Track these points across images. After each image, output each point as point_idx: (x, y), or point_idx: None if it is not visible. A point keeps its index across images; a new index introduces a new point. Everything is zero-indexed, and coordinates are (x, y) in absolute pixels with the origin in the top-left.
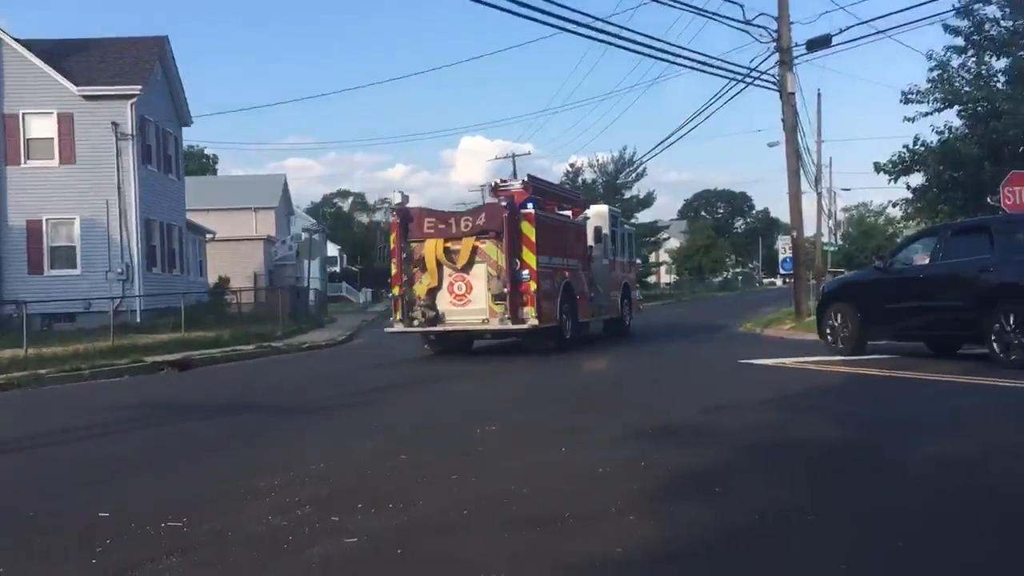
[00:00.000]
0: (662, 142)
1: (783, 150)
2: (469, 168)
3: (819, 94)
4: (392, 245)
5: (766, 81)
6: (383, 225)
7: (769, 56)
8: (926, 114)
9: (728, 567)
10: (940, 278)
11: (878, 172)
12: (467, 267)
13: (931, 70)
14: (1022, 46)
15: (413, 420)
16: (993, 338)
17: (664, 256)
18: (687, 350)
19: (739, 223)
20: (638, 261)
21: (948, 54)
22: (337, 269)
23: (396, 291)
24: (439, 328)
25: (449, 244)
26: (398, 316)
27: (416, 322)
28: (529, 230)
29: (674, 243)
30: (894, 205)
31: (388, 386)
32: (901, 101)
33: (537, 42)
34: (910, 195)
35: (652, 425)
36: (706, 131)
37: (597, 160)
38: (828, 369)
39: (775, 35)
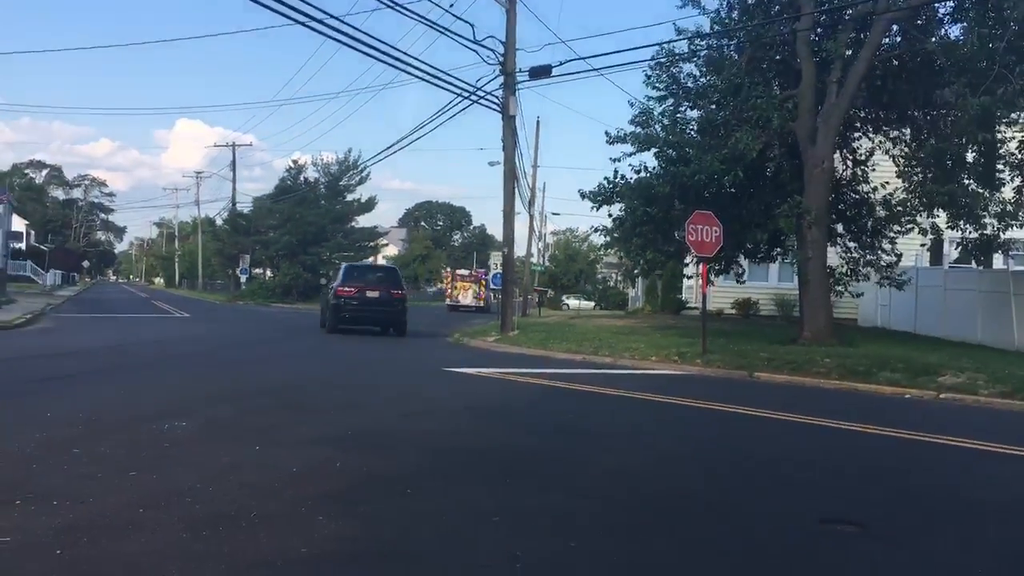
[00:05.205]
0: (387, 148)
1: (502, 170)
2: (184, 152)
3: (538, 121)
4: (447, 280)
5: (491, 101)
6: (82, 203)
7: (495, 78)
8: (629, 154)
9: (406, 566)
10: None
11: (583, 199)
12: (467, 289)
13: (635, 117)
14: (712, 100)
15: (94, 411)
16: None
17: (382, 261)
18: (404, 353)
19: (457, 236)
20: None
21: (651, 102)
22: (23, 246)
23: (448, 293)
24: (459, 303)
25: (463, 283)
26: (448, 301)
27: (450, 302)
28: (483, 283)
29: (393, 250)
30: (596, 230)
31: (67, 375)
32: (608, 141)
33: (267, 31)
34: (610, 224)
35: (351, 427)
36: (431, 143)
37: (321, 159)
38: (525, 380)
39: (502, 59)
